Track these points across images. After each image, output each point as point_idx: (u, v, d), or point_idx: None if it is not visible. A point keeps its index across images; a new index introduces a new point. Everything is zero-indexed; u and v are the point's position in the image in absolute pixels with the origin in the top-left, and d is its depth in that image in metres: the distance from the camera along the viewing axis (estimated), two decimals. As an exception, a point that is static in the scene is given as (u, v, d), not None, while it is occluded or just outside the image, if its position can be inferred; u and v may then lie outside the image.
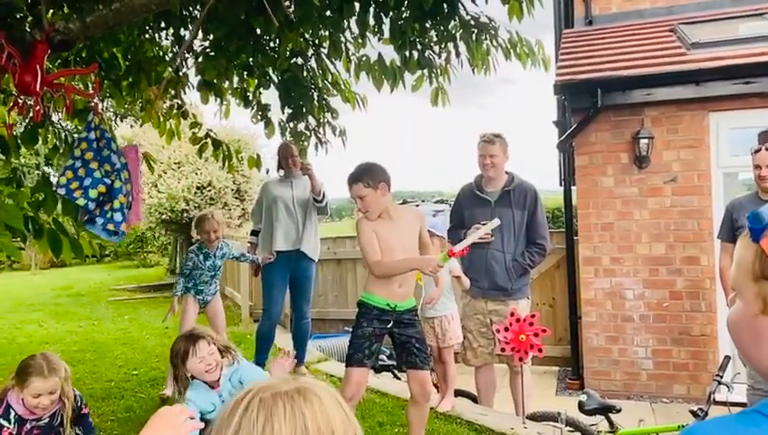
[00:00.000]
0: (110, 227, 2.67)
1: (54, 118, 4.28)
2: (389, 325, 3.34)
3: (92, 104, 3.09)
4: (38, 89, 2.52)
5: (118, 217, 2.68)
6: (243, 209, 11.08)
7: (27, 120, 3.88)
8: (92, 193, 2.68)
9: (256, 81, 4.19)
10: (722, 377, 3.28)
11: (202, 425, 1.35)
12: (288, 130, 4.17)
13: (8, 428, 2.70)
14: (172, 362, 2.85)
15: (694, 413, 3.18)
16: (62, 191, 2.59)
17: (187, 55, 4.14)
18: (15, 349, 6.77)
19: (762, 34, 5.56)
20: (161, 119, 4.64)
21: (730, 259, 3.68)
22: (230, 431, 0.87)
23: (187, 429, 1.30)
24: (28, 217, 2.67)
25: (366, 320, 3.34)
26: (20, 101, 2.76)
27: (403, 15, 3.45)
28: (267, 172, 6.81)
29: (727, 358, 3.45)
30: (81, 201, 2.61)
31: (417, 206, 10.19)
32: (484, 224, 4.23)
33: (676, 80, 5.38)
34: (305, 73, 4.02)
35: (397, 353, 3.57)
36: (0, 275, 17.14)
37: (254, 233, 5.32)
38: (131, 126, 12.05)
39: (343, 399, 0.96)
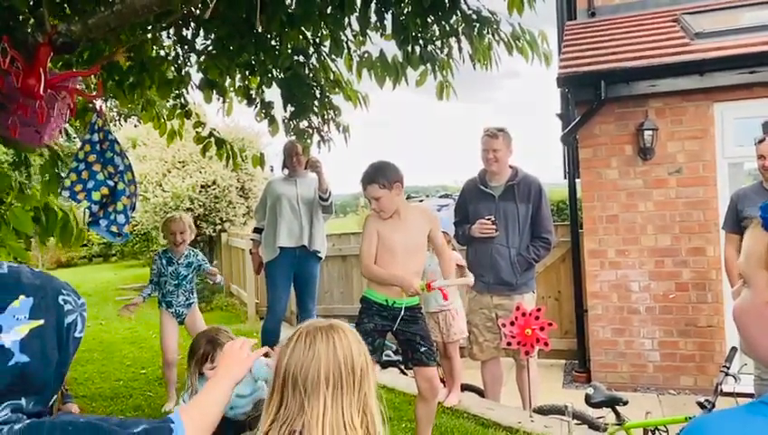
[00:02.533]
0: (114, 228, 2.68)
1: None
2: (390, 321, 3.37)
3: (95, 105, 3.09)
4: (42, 92, 2.53)
5: (121, 218, 2.70)
6: (247, 207, 11.10)
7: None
8: (95, 195, 2.69)
9: (258, 79, 4.19)
10: (729, 368, 3.27)
11: (266, 349, 1.68)
12: (291, 127, 4.16)
13: None
14: (189, 360, 2.87)
15: (701, 405, 3.17)
16: (66, 194, 2.60)
17: (190, 54, 4.15)
18: (24, 349, 6.80)
19: (765, 23, 5.52)
20: (163, 119, 4.64)
21: (735, 250, 3.71)
22: (288, 351, 1.42)
23: (251, 359, 1.49)
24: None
25: (367, 316, 3.38)
26: (23, 104, 2.76)
27: (404, 11, 3.44)
28: (272, 170, 6.80)
29: (734, 349, 3.44)
30: (85, 203, 2.63)
31: (422, 201, 10.18)
32: (488, 219, 4.25)
33: (680, 70, 5.35)
34: (307, 71, 4.01)
35: (402, 351, 3.59)
36: (8, 276, 17.19)
37: (257, 230, 5.33)
38: (135, 126, 12.06)
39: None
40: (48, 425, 1.05)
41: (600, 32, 6.51)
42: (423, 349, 3.34)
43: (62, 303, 1.12)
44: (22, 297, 1.06)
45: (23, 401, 1.05)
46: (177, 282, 4.63)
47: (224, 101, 4.33)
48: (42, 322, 1.06)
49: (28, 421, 1.04)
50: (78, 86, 3.19)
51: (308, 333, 1.44)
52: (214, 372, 1.47)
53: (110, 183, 2.68)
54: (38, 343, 1.05)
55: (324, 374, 1.38)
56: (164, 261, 4.62)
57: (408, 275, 3.30)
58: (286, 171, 5.22)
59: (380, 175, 3.29)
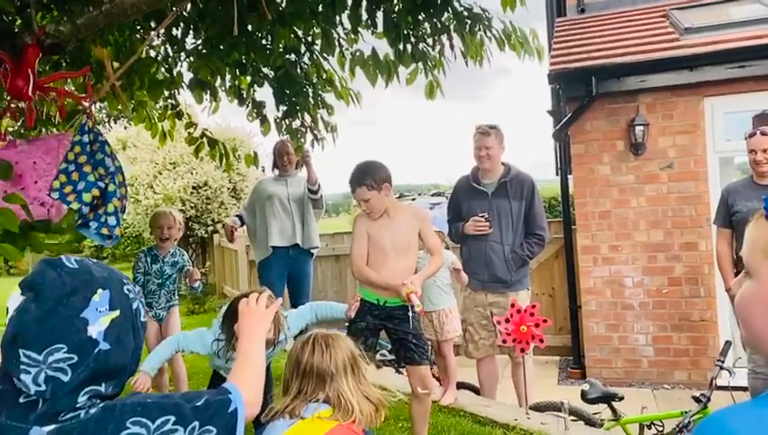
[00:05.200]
0: (104, 231, 2.64)
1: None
2: (382, 320, 3.36)
3: (86, 107, 3.06)
4: (30, 93, 2.50)
5: (112, 220, 2.66)
6: (239, 208, 11.07)
7: (20, 125, 3.86)
8: (86, 197, 2.65)
9: (250, 78, 4.17)
10: (723, 362, 3.29)
11: (281, 301, 2.01)
12: (284, 127, 4.14)
13: None
14: (225, 323, 2.86)
15: (697, 399, 3.19)
16: (55, 195, 2.56)
17: (182, 55, 4.12)
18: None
19: (754, 18, 5.56)
20: (154, 120, 4.60)
21: (727, 245, 3.71)
22: (307, 351, 1.89)
23: (270, 313, 1.63)
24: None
25: (359, 315, 3.37)
26: (12, 107, 2.73)
27: (396, 8, 3.43)
28: (263, 170, 6.79)
29: (728, 343, 3.46)
30: (75, 205, 2.58)
31: (414, 199, 10.19)
32: (482, 216, 4.24)
33: (670, 66, 5.37)
34: (299, 70, 4.00)
35: (395, 350, 3.58)
36: (-3, 281, 17.06)
37: (239, 217, 5.26)
38: (125, 127, 12.00)
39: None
40: (120, 407, 1.13)
41: (590, 28, 6.53)
42: (415, 348, 3.33)
43: (126, 292, 1.21)
44: (99, 291, 1.15)
45: (102, 387, 1.14)
46: (160, 281, 4.42)
47: (214, 101, 4.30)
48: (118, 312, 1.16)
49: (102, 405, 1.13)
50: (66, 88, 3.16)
51: (321, 337, 1.94)
52: (239, 332, 1.57)
53: (101, 184, 2.64)
54: (116, 331, 1.15)
55: (339, 365, 1.88)
56: (149, 259, 4.41)
57: (398, 274, 3.28)
58: (276, 171, 5.19)
59: (368, 176, 3.26)
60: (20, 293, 1.13)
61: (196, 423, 1.14)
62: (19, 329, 1.09)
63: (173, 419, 1.13)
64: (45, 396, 1.08)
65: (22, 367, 1.07)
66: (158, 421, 1.12)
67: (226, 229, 5.21)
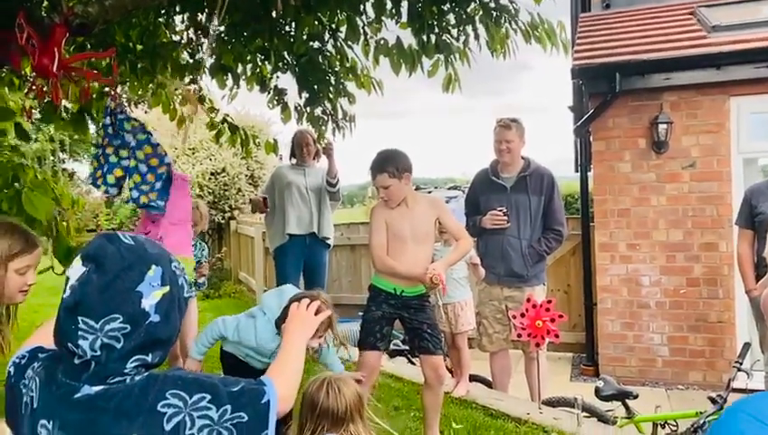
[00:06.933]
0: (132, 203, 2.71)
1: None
2: (398, 309, 3.35)
3: (110, 90, 3.09)
4: (55, 71, 2.52)
5: (134, 193, 2.73)
6: (256, 195, 11.09)
7: (45, 103, 3.90)
8: (110, 178, 2.71)
9: (272, 65, 4.17)
10: (741, 364, 3.25)
11: (329, 313, 2.22)
12: (305, 114, 4.14)
13: None
14: (281, 321, 2.77)
15: (713, 400, 3.17)
16: (89, 181, 2.64)
17: (202, 40, 4.14)
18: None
19: (784, 17, 5.46)
20: (172, 104, 4.61)
21: (748, 246, 3.68)
22: (322, 393, 2.10)
23: (317, 320, 1.73)
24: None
25: (375, 304, 3.37)
26: (37, 85, 2.76)
27: (420, -2, 3.42)
28: (281, 159, 6.82)
29: (747, 345, 3.43)
30: (102, 188, 2.65)
31: (430, 192, 10.17)
32: (500, 210, 4.22)
33: (696, 64, 5.29)
34: (322, 58, 3.99)
35: (409, 339, 3.58)
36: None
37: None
38: (146, 112, 12.06)
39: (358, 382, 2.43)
40: (162, 377, 1.21)
41: (615, 24, 6.46)
42: (430, 338, 3.33)
43: (174, 269, 1.27)
44: (153, 266, 1.21)
45: (149, 357, 1.21)
46: None
47: (237, 87, 4.31)
48: (168, 288, 1.22)
49: (146, 373, 1.22)
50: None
51: (335, 381, 2.16)
52: (284, 331, 1.67)
53: (124, 163, 2.69)
54: (165, 305, 1.22)
55: (352, 408, 2.12)
56: None
57: (418, 263, 3.28)
58: (294, 160, 5.20)
59: (390, 164, 3.26)
60: (81, 263, 1.20)
61: (229, 407, 1.20)
62: (81, 298, 1.17)
63: (208, 397, 1.20)
64: (100, 360, 1.17)
65: (80, 333, 1.16)
66: (195, 397, 1.19)
67: (257, 201, 5.21)
